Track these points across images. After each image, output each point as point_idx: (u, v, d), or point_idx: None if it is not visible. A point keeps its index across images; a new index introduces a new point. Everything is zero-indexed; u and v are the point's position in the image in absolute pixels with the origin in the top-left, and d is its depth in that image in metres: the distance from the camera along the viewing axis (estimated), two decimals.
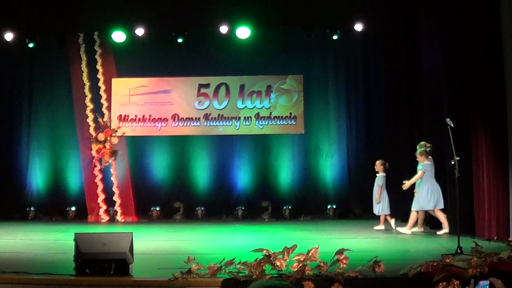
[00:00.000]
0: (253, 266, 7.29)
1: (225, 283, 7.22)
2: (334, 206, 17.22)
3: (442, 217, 13.00)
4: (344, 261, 7.31)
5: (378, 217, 14.37)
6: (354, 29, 16.76)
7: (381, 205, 14.21)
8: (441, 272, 7.18)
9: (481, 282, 7.10)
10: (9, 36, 17.04)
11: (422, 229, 13.41)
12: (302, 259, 7.33)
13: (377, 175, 14.55)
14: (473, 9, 12.12)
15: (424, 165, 13.19)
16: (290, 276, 7.07)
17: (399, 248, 10.75)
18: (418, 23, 15.09)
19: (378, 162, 14.61)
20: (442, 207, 13.01)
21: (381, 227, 14.23)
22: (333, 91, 18.12)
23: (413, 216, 13.35)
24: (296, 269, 7.21)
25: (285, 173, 17.95)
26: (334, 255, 7.38)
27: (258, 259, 7.36)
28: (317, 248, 7.44)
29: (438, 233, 12.91)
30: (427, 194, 13.04)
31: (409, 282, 7.23)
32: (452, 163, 10.44)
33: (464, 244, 9.55)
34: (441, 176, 13.27)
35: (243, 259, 7.45)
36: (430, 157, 13.27)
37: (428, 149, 13.20)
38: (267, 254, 7.41)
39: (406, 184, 13.51)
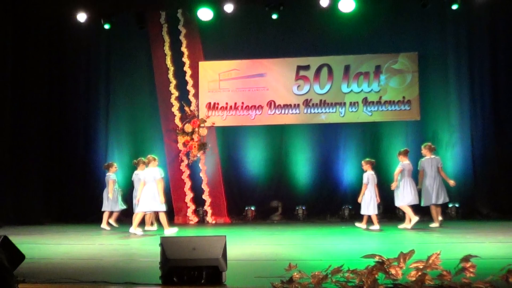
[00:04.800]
0: (364, 274, 7.20)
1: None
2: (457, 205, 16.91)
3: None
4: (471, 270, 7.14)
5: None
6: None
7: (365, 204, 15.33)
8: None
9: None
10: (81, 17, 17.45)
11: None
12: (421, 267, 7.20)
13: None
14: None
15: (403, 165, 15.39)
16: (407, 287, 6.97)
17: None
18: None
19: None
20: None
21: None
22: (454, 70, 17.82)
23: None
24: (414, 278, 7.08)
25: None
26: (459, 263, 7.21)
27: (370, 266, 7.27)
28: (439, 254, 7.29)
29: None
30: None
31: None
32: None
33: None
34: None
35: (352, 266, 7.35)
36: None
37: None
38: (380, 260, 7.31)
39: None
